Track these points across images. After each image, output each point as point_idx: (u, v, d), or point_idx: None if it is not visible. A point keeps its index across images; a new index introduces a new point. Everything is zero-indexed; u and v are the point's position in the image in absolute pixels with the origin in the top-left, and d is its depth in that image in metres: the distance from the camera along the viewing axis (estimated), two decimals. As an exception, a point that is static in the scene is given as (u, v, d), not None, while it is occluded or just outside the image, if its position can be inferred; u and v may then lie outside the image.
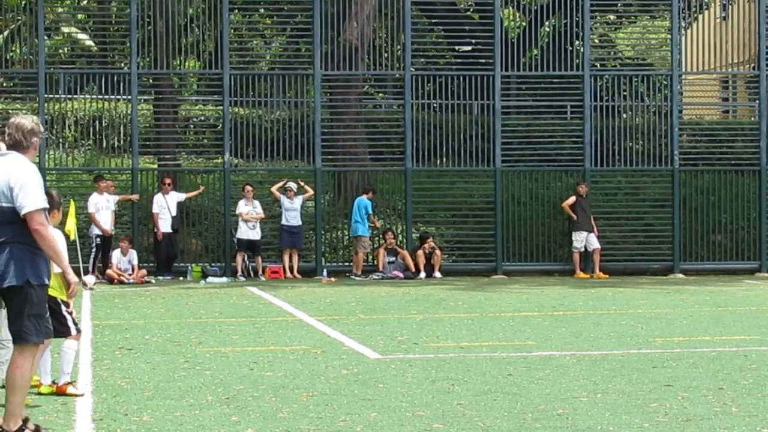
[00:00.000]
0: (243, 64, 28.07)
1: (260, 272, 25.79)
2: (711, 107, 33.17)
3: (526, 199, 27.66)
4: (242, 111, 27.61)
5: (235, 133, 26.94)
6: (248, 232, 25.68)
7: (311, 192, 26.46)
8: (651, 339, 14.01)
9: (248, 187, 25.89)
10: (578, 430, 8.35)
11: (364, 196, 26.32)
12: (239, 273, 25.58)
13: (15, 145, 8.11)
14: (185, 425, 8.61)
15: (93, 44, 30.55)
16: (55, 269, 8.46)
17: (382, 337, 14.31)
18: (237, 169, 27.31)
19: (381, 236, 26.86)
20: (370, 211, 26.30)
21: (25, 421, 8.16)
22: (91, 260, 24.61)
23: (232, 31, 28.07)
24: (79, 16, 32.78)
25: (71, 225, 20.46)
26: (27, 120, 8.17)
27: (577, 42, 28.73)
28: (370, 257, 26.86)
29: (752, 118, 30.73)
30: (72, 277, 8.55)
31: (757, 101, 28.73)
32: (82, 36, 31.05)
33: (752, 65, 30.21)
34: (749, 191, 28.11)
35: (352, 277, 26.01)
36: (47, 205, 8.11)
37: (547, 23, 31.38)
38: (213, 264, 26.36)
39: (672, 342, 13.80)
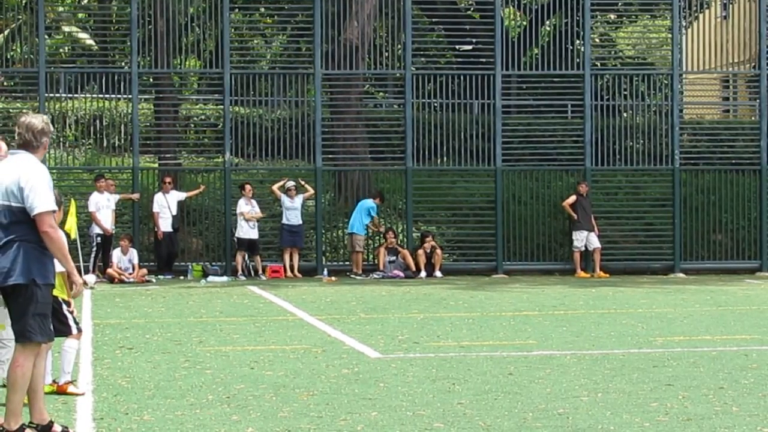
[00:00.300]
0: (243, 64, 28.08)
1: (261, 271, 25.80)
2: (711, 107, 33.16)
3: (527, 199, 27.65)
4: (243, 110, 27.60)
5: (236, 133, 26.94)
6: (249, 231, 25.68)
7: (312, 191, 26.46)
8: (652, 338, 14.01)
9: (248, 186, 25.89)
10: (579, 430, 8.35)
11: (371, 200, 26.32)
12: (240, 272, 25.57)
13: (25, 145, 8.08)
14: (186, 424, 8.61)
15: (93, 43, 30.56)
16: (57, 268, 8.46)
17: (382, 336, 14.31)
18: (237, 169, 27.31)
19: (382, 235, 26.85)
20: (373, 214, 26.30)
21: (50, 424, 8.18)
22: (92, 259, 24.63)
23: (233, 30, 28.07)
24: (80, 15, 32.78)
25: (71, 224, 20.53)
26: (37, 120, 8.14)
27: (577, 41, 28.72)
28: (370, 256, 26.86)
29: (753, 118, 30.74)
30: (77, 278, 8.56)
31: (758, 101, 28.72)
32: (82, 35, 31.07)
33: (753, 64, 30.20)
34: (750, 191, 28.12)
35: (352, 276, 25.99)
36: (57, 208, 8.11)
37: (547, 22, 31.38)
38: (213, 263, 26.36)
39: (673, 341, 13.79)
